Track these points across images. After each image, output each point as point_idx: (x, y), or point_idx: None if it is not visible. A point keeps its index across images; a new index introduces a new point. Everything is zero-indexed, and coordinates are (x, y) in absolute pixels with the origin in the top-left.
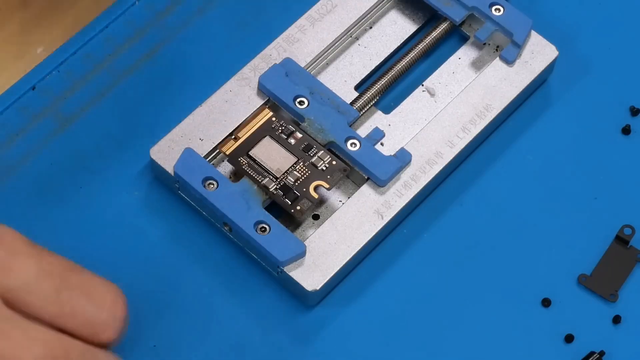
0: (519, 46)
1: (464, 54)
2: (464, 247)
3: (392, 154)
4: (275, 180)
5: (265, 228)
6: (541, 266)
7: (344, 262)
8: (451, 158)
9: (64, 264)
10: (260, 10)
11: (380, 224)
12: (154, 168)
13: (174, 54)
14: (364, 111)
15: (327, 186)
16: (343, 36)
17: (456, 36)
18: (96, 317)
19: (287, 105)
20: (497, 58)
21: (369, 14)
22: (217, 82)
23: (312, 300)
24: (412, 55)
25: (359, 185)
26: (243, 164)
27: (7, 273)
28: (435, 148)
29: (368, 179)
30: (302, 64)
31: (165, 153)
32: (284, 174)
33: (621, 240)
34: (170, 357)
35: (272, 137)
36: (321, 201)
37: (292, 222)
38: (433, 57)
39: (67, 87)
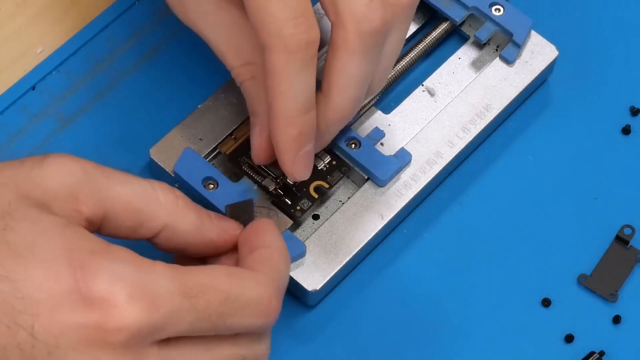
0: (519, 46)
1: (464, 54)
2: (464, 247)
3: (392, 154)
4: (275, 180)
5: None
6: (541, 266)
7: (344, 262)
8: (451, 158)
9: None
10: None
11: (380, 224)
12: (154, 168)
13: (174, 54)
14: (364, 111)
15: (327, 186)
16: None
17: (456, 36)
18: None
19: None
20: (497, 58)
21: None
22: (217, 82)
23: (312, 300)
24: (412, 55)
25: (359, 185)
26: (243, 164)
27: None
28: (435, 148)
29: (368, 179)
30: None
31: (165, 153)
32: (284, 174)
33: (621, 240)
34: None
35: None
36: (321, 201)
37: (292, 222)
38: (433, 57)
39: (67, 87)
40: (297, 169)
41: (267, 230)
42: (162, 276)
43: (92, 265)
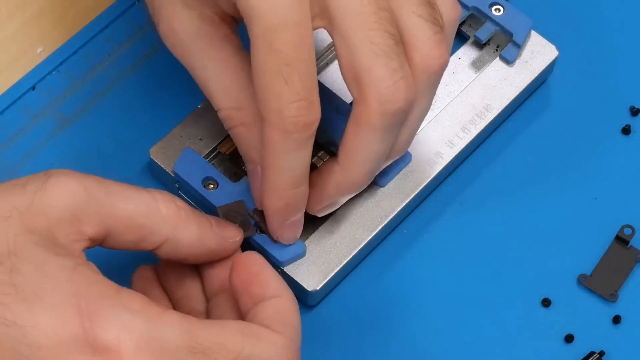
0: (519, 46)
1: (464, 54)
2: (464, 247)
3: None
4: None
5: None
6: (541, 266)
7: (344, 262)
8: (451, 158)
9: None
10: None
11: (380, 224)
12: (154, 168)
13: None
14: None
15: None
16: None
17: (456, 36)
18: None
19: None
20: (497, 58)
21: None
22: None
23: (312, 300)
24: None
25: None
26: (243, 164)
27: None
28: (435, 148)
29: None
30: None
31: (165, 153)
32: None
33: (621, 240)
34: None
35: None
36: None
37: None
38: None
39: (67, 87)
40: (282, 235)
41: (269, 275)
42: (171, 328)
43: (100, 313)
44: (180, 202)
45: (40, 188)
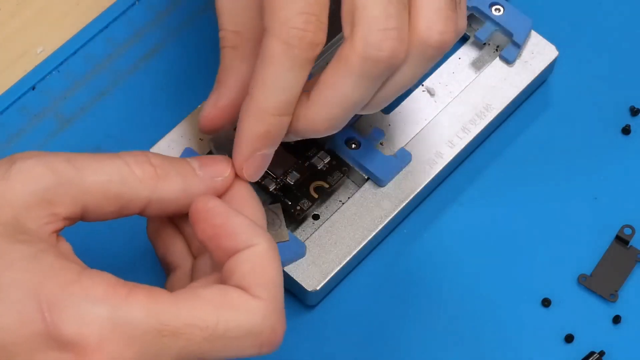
0: (519, 46)
1: (464, 54)
2: (464, 247)
3: (392, 154)
4: (275, 180)
5: None
6: (541, 266)
7: (344, 262)
8: (451, 158)
9: None
10: None
11: (380, 224)
12: None
13: (174, 54)
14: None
15: (327, 186)
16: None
17: None
18: None
19: None
20: (497, 58)
21: None
22: None
23: (312, 300)
24: None
25: (359, 185)
26: None
27: None
28: (435, 148)
29: (368, 179)
30: None
31: (165, 153)
32: (284, 174)
33: (621, 240)
34: None
35: None
36: (321, 201)
37: (292, 222)
38: None
39: (67, 87)
40: (247, 167)
41: (236, 223)
42: (137, 311)
43: (60, 305)
44: (155, 159)
45: (4, 177)
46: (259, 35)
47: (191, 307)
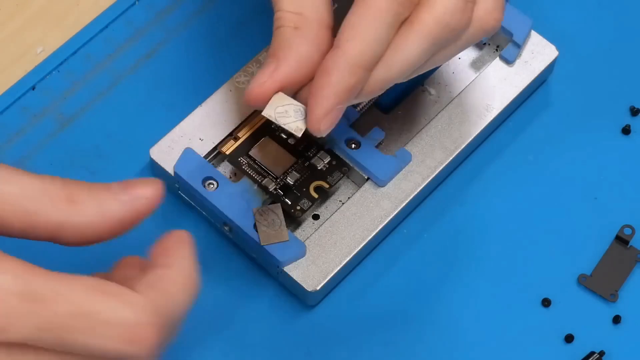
0: (519, 46)
1: (464, 54)
2: (464, 247)
3: (392, 154)
4: (275, 180)
5: None
6: (541, 266)
7: (344, 262)
8: (451, 158)
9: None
10: (260, 10)
11: (380, 224)
12: (154, 168)
13: (174, 54)
14: (363, 111)
15: (327, 186)
16: None
17: None
18: None
19: None
20: (497, 58)
21: None
22: (217, 82)
23: (312, 300)
24: None
25: (359, 185)
26: (243, 164)
27: None
28: (435, 148)
29: (368, 179)
30: None
31: (165, 153)
32: (284, 174)
33: (621, 240)
34: (170, 356)
35: (271, 137)
36: (321, 201)
37: (292, 222)
38: None
39: (67, 87)
40: (326, 121)
41: (175, 248)
42: (6, 274)
43: None
44: (72, 184)
45: None
46: (321, 18)
47: (65, 283)
